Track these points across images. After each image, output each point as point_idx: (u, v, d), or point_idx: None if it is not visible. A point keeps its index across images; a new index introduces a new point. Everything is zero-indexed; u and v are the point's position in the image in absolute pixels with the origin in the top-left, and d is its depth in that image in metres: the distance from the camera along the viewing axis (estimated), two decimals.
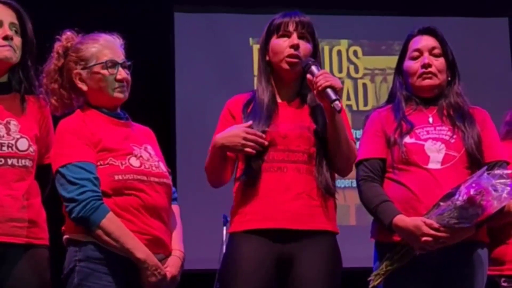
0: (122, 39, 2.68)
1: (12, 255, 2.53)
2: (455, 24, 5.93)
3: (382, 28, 5.79)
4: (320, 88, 2.51)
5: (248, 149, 2.57)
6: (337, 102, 2.48)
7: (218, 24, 5.87)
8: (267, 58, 2.71)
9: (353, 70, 5.91)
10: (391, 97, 2.93)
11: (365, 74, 5.89)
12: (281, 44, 2.66)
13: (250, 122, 2.61)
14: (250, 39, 5.67)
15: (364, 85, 5.88)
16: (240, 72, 5.63)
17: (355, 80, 5.89)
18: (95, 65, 2.60)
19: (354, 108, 5.78)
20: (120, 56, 2.63)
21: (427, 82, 2.83)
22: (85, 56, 2.61)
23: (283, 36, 2.67)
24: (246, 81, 5.21)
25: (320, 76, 2.53)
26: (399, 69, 2.92)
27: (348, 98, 5.85)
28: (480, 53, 5.94)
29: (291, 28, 2.67)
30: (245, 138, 2.56)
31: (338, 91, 2.51)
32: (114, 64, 2.60)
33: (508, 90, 5.64)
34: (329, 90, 2.50)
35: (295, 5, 5.78)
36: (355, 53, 5.93)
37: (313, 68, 2.58)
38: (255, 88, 2.74)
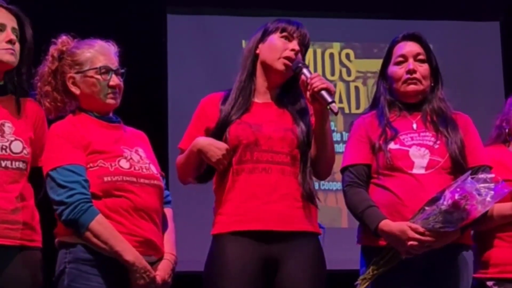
0: (117, 47, 2.70)
1: (5, 257, 2.54)
2: (446, 27, 5.95)
3: (374, 31, 5.80)
4: (316, 89, 2.52)
5: (221, 166, 2.61)
6: (334, 104, 2.50)
7: (211, 26, 5.86)
8: (257, 51, 2.71)
9: (345, 73, 5.92)
10: (375, 102, 2.95)
11: (357, 77, 5.89)
12: (282, 44, 2.67)
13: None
14: (243, 42, 5.68)
15: (356, 88, 5.89)
16: (233, 75, 5.63)
17: (347, 83, 5.89)
18: (89, 70, 2.61)
19: (347, 111, 5.79)
20: (114, 63, 2.65)
21: (411, 87, 2.85)
22: (79, 61, 2.63)
23: (285, 38, 2.68)
24: None
25: (316, 78, 2.54)
26: (383, 74, 2.94)
27: (341, 101, 5.85)
28: (471, 57, 5.96)
29: (296, 35, 2.68)
30: (224, 156, 2.59)
31: (332, 94, 2.52)
32: (107, 70, 2.62)
33: (499, 93, 5.66)
34: (324, 92, 2.52)
35: (288, 8, 5.81)
36: (347, 56, 5.93)
37: (305, 70, 2.59)
38: (236, 79, 2.75)
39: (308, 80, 2.55)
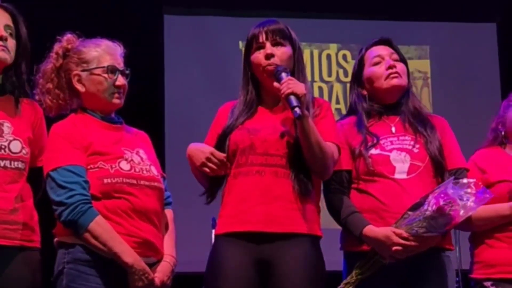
0: (122, 48, 2.70)
1: (5, 258, 2.54)
2: (443, 29, 5.97)
3: (371, 32, 5.75)
4: (283, 95, 2.54)
5: (205, 169, 2.61)
6: (296, 109, 2.50)
7: (208, 27, 5.87)
8: (251, 71, 2.74)
9: (342, 74, 5.93)
10: (352, 110, 2.95)
11: None
12: (258, 57, 2.68)
13: (224, 155, 2.63)
14: (240, 42, 5.68)
15: None
16: (229, 75, 5.63)
17: (344, 84, 5.90)
18: (95, 68, 2.62)
19: (344, 112, 5.75)
20: (120, 64, 2.66)
21: (395, 81, 2.86)
22: (86, 59, 2.63)
23: (258, 48, 2.69)
24: (236, 85, 5.17)
25: (284, 83, 2.55)
26: (358, 81, 2.94)
27: (337, 102, 5.86)
28: (468, 58, 5.98)
29: (262, 39, 2.69)
30: (207, 158, 2.60)
31: (300, 98, 2.52)
32: (114, 70, 2.62)
33: (496, 94, 5.67)
34: (291, 97, 2.52)
35: (284, 9, 5.81)
36: (344, 57, 5.94)
37: (283, 75, 2.60)
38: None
39: (279, 86, 2.57)
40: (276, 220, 2.57)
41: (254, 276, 2.57)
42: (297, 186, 2.59)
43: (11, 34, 2.65)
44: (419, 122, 2.86)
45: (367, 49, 2.96)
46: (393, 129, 2.86)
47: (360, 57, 2.96)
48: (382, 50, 2.92)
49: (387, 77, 2.86)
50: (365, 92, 2.92)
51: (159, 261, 2.58)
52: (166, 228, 2.67)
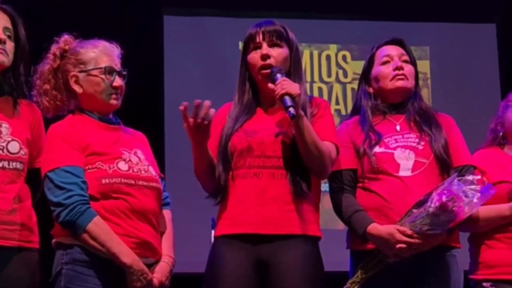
0: (120, 49, 2.70)
1: (3, 258, 2.54)
2: (443, 29, 5.97)
3: (371, 33, 5.80)
4: (277, 96, 2.54)
5: (191, 123, 2.57)
6: (290, 109, 2.50)
7: (207, 27, 5.87)
8: (248, 71, 2.74)
9: (342, 74, 5.93)
10: (356, 109, 2.97)
11: (354, 79, 5.89)
12: (254, 57, 2.69)
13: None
14: (240, 43, 5.66)
15: (353, 89, 5.88)
16: (229, 76, 5.59)
17: (344, 84, 5.90)
18: (93, 69, 2.62)
19: (343, 112, 5.79)
20: (118, 64, 2.66)
21: (400, 83, 2.88)
22: (83, 60, 2.63)
23: (255, 49, 2.69)
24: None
25: (278, 84, 2.56)
26: (366, 78, 2.96)
27: (337, 103, 5.86)
28: (468, 59, 5.97)
29: (258, 39, 2.69)
30: (186, 123, 2.57)
31: (294, 98, 2.52)
32: (111, 71, 2.63)
33: (495, 95, 5.67)
34: (285, 98, 2.53)
35: (284, 10, 5.80)
36: (344, 57, 5.94)
37: (278, 76, 2.61)
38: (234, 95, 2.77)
39: (274, 87, 2.57)
40: (272, 221, 2.58)
41: (253, 277, 2.58)
42: (293, 187, 2.60)
43: (9, 37, 2.65)
44: (424, 121, 2.86)
45: (378, 47, 2.97)
46: (398, 127, 2.87)
47: (370, 55, 2.98)
48: (392, 50, 2.93)
49: (393, 78, 2.88)
50: (371, 90, 2.94)
51: (157, 261, 2.58)
52: (165, 228, 2.67)
